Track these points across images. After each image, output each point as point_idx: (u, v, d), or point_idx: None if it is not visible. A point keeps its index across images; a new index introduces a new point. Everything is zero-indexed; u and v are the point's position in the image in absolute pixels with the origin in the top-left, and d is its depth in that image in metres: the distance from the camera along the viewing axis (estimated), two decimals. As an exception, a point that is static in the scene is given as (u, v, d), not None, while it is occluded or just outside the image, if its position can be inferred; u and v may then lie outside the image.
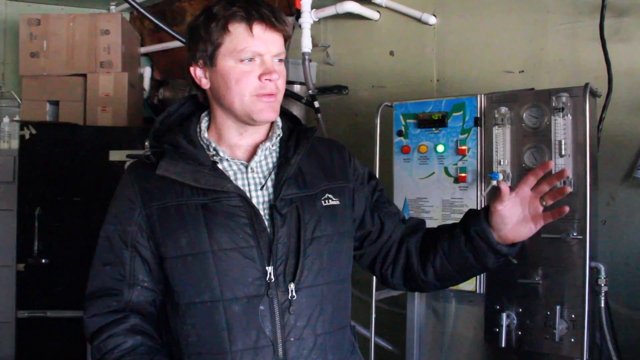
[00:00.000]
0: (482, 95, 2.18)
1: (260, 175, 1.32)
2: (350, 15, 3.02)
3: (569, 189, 1.27)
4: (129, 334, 1.28)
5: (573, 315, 1.94)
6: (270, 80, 1.27)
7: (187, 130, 1.34)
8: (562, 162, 1.97)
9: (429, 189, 2.27)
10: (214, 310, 1.25)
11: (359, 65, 3.18)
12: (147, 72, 4.06)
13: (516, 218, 1.29)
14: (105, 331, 1.29)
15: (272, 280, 1.25)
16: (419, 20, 2.91)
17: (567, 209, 1.25)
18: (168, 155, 1.29)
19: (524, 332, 2.03)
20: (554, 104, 1.99)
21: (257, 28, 1.25)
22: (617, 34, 2.30)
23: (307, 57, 2.79)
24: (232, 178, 1.30)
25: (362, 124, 3.05)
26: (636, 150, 2.26)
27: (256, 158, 1.33)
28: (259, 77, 1.26)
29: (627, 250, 2.28)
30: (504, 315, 2.04)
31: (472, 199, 2.18)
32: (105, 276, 1.33)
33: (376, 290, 2.35)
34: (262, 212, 1.28)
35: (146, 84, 4.06)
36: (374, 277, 2.31)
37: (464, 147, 2.19)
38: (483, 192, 2.15)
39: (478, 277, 2.13)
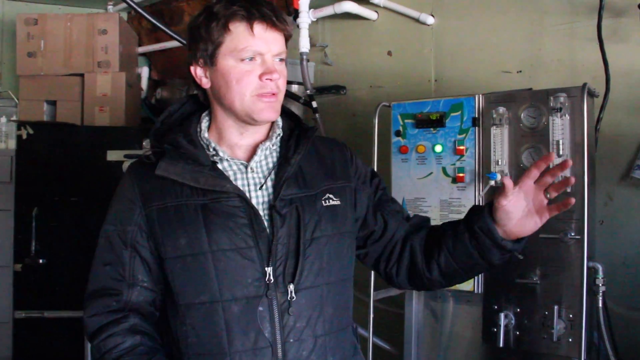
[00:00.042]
0: (480, 95, 2.18)
1: (260, 175, 1.32)
2: (348, 15, 3.02)
3: (573, 180, 1.25)
4: (129, 334, 1.28)
5: (571, 315, 1.94)
6: (271, 79, 1.26)
7: (188, 130, 1.34)
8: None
9: (427, 189, 2.27)
10: (212, 311, 1.24)
11: (357, 65, 3.18)
12: (144, 72, 4.06)
13: (521, 212, 1.27)
14: (105, 331, 1.29)
15: (272, 281, 1.24)
16: (417, 20, 2.91)
17: (572, 200, 1.23)
18: (168, 155, 1.29)
19: (522, 332, 2.03)
20: (551, 104, 1.99)
21: (258, 27, 1.25)
22: (614, 35, 2.30)
23: (305, 57, 2.79)
24: (232, 178, 1.29)
25: (360, 124, 3.05)
26: (634, 150, 2.26)
27: (256, 158, 1.32)
28: (260, 77, 1.25)
29: (625, 250, 2.28)
30: (502, 315, 2.04)
31: (470, 199, 2.18)
32: (104, 276, 1.33)
33: (374, 290, 2.35)
34: (261, 213, 1.27)
35: (144, 83, 4.05)
36: (372, 277, 2.33)
37: (462, 147, 2.19)
38: (481, 192, 2.15)
39: (476, 277, 2.13)
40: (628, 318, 2.22)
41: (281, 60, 1.30)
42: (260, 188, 1.30)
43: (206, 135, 1.34)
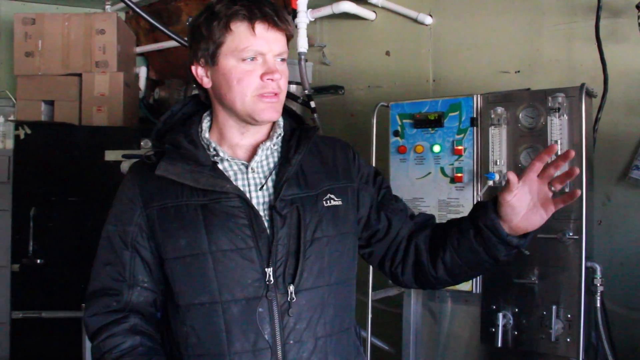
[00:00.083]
0: (479, 95, 2.18)
1: (261, 175, 1.31)
2: (346, 15, 3.02)
3: (577, 170, 1.22)
4: (128, 334, 1.28)
5: (569, 315, 1.95)
6: (272, 80, 1.25)
7: (189, 130, 1.33)
8: (558, 162, 1.97)
9: (425, 189, 2.27)
10: (212, 311, 1.24)
11: (355, 65, 3.18)
12: (142, 71, 4.05)
13: (526, 207, 1.25)
14: (105, 331, 1.29)
15: (272, 282, 1.23)
16: (415, 20, 2.91)
17: (578, 192, 1.22)
18: (168, 155, 1.29)
19: (520, 332, 2.03)
20: (550, 104, 1.99)
21: (260, 27, 1.24)
22: (612, 35, 2.31)
23: (303, 57, 2.79)
24: (232, 178, 1.29)
25: (358, 124, 3.05)
26: (632, 151, 2.26)
27: (256, 158, 1.31)
28: (261, 77, 1.25)
29: (623, 250, 2.28)
30: (500, 315, 2.04)
31: (469, 199, 2.18)
32: (105, 276, 1.33)
33: (372, 290, 2.35)
34: (262, 213, 1.26)
35: (142, 83, 4.05)
36: (370, 277, 2.33)
37: (460, 147, 2.19)
38: (479, 192, 2.15)
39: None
40: (626, 318, 2.23)
41: (283, 60, 1.29)
42: (261, 188, 1.29)
43: (207, 135, 1.33)
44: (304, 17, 2.79)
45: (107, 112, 3.58)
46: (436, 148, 2.24)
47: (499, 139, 2.10)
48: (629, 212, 2.29)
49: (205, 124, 1.35)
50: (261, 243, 1.24)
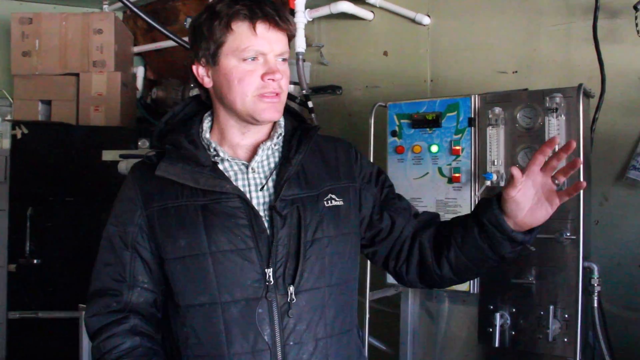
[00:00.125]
0: (476, 95, 2.18)
1: (262, 175, 1.30)
2: (344, 15, 3.02)
3: (580, 161, 1.21)
4: (128, 335, 1.28)
5: (566, 315, 1.95)
6: (273, 80, 1.24)
7: (189, 130, 1.33)
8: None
9: (423, 189, 2.27)
10: (212, 312, 1.24)
11: (353, 65, 3.18)
12: (140, 71, 4.05)
13: (530, 202, 1.23)
14: (105, 331, 1.29)
15: (272, 283, 1.23)
16: (412, 20, 2.91)
17: (584, 183, 1.20)
18: (168, 155, 1.28)
19: (518, 332, 2.03)
20: (547, 105, 1.99)
21: (261, 27, 1.23)
22: (610, 35, 2.31)
23: (300, 56, 2.79)
24: (232, 179, 1.28)
25: (356, 124, 3.05)
26: (629, 151, 2.27)
27: (257, 158, 1.31)
28: (262, 77, 1.24)
29: (620, 250, 2.29)
30: (498, 315, 2.04)
31: (466, 199, 2.18)
32: (105, 276, 1.32)
33: (370, 290, 2.35)
34: (262, 213, 1.26)
35: (139, 83, 4.04)
36: (368, 277, 2.32)
37: (457, 148, 2.19)
38: (477, 193, 2.15)
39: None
40: (623, 318, 2.23)
41: (284, 60, 1.28)
42: (262, 189, 1.29)
43: (207, 135, 1.33)
44: (301, 17, 2.79)
45: (104, 112, 3.57)
46: (434, 148, 2.24)
47: (496, 139, 2.11)
48: (626, 212, 2.29)
49: (206, 124, 1.35)
50: (261, 243, 1.24)
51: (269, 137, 1.34)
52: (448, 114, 2.22)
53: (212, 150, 1.31)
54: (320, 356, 1.25)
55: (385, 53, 3.06)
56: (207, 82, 1.31)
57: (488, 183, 2.10)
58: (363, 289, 2.34)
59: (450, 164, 2.22)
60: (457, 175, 2.19)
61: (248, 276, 1.23)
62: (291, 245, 1.25)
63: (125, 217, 1.32)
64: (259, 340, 1.22)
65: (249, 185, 1.29)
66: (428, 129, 2.26)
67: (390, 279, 2.32)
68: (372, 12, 3.07)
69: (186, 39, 2.59)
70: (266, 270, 1.23)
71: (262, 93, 1.25)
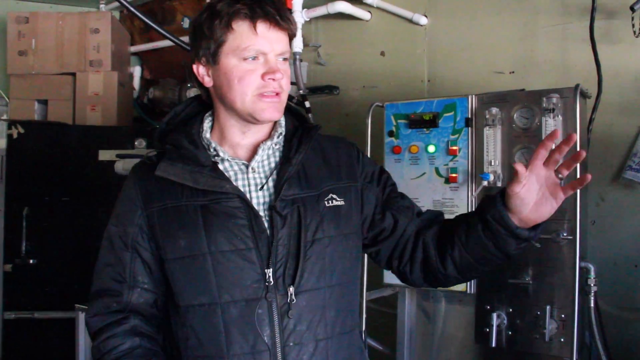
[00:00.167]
0: (473, 95, 2.18)
1: (262, 175, 1.30)
2: (341, 15, 3.01)
3: (584, 153, 1.18)
4: (128, 336, 1.28)
5: (563, 315, 1.95)
6: (274, 79, 1.24)
7: (190, 130, 1.32)
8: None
9: (420, 189, 2.27)
10: (211, 313, 1.23)
11: (350, 66, 3.18)
12: (137, 71, 4.04)
13: (535, 197, 1.21)
14: (105, 331, 1.29)
15: (271, 283, 1.22)
16: (410, 20, 2.91)
17: (589, 176, 1.18)
18: (168, 155, 1.28)
19: (514, 332, 2.04)
20: (544, 105, 2.00)
21: (261, 26, 1.23)
22: (607, 36, 2.31)
23: (298, 57, 2.79)
24: (232, 179, 1.28)
25: (353, 124, 3.05)
26: (625, 151, 2.27)
27: (257, 158, 1.30)
28: (262, 76, 1.23)
29: (616, 250, 2.29)
30: (494, 315, 2.05)
31: (463, 199, 2.18)
32: (106, 277, 1.32)
33: (367, 290, 2.35)
34: (262, 213, 1.25)
35: (136, 83, 4.04)
36: (365, 277, 2.32)
37: (454, 148, 2.19)
38: (474, 193, 2.16)
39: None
40: (619, 318, 2.23)
41: (285, 59, 1.27)
42: (261, 188, 1.28)
43: (207, 135, 1.32)
44: (299, 17, 2.79)
45: (101, 112, 3.57)
46: (431, 148, 2.24)
47: (493, 140, 2.11)
48: (622, 213, 2.29)
49: (207, 124, 1.34)
50: (261, 244, 1.23)
51: (270, 136, 1.33)
52: (445, 114, 2.22)
53: (212, 150, 1.30)
54: (320, 357, 1.24)
55: (382, 53, 3.06)
56: (208, 82, 1.30)
57: (485, 183, 2.10)
58: (360, 289, 2.34)
59: (447, 164, 2.22)
60: (454, 175, 2.19)
61: (248, 276, 1.22)
62: (291, 245, 1.24)
63: (125, 217, 1.32)
64: (259, 341, 1.21)
65: (249, 185, 1.29)
66: (425, 129, 2.26)
67: (387, 279, 2.32)
68: (369, 12, 3.07)
69: (183, 38, 2.59)
70: (266, 270, 1.22)
71: (262, 92, 1.24)
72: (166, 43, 3.67)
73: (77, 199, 3.23)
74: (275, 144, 1.33)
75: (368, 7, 3.03)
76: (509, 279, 2.04)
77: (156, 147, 1.34)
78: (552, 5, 2.49)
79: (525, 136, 2.04)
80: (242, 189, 1.27)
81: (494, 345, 2.04)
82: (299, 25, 2.79)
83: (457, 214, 1.39)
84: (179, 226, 1.25)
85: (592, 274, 2.02)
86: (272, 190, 1.28)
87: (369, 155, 2.37)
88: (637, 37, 2.21)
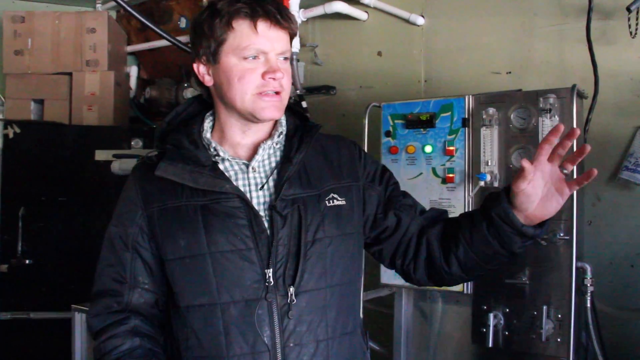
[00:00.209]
0: (470, 96, 2.18)
1: (262, 174, 1.29)
2: (338, 16, 3.02)
3: (589, 147, 1.15)
4: (128, 336, 1.28)
5: (559, 315, 1.95)
6: (274, 78, 1.23)
7: (191, 130, 1.32)
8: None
9: (417, 189, 2.27)
10: (211, 313, 1.23)
11: (347, 66, 3.18)
12: (133, 71, 4.03)
13: (541, 193, 1.19)
14: (106, 332, 1.29)
15: (271, 284, 1.21)
16: (407, 20, 2.91)
17: (595, 171, 1.15)
18: (168, 155, 1.27)
19: (511, 332, 2.04)
20: (541, 105, 2.00)
21: (262, 25, 1.22)
22: (603, 36, 2.32)
23: (294, 57, 2.78)
24: (232, 178, 1.27)
25: (350, 125, 3.05)
26: (621, 152, 2.28)
27: (257, 157, 1.29)
28: (263, 75, 1.23)
29: (612, 250, 2.30)
30: (491, 315, 2.05)
31: (460, 199, 2.18)
32: (106, 277, 1.32)
33: (364, 290, 2.35)
34: (262, 213, 1.25)
35: (132, 83, 4.02)
36: (362, 277, 2.32)
37: (451, 148, 2.19)
38: (470, 193, 2.16)
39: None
40: (616, 317, 2.24)
41: (285, 58, 1.27)
42: (262, 188, 1.27)
43: (208, 135, 1.32)
44: (296, 17, 2.78)
45: (97, 112, 3.56)
46: (428, 148, 2.24)
47: (490, 140, 2.11)
48: (618, 213, 2.30)
49: (207, 123, 1.34)
50: (261, 244, 1.22)
51: (270, 136, 1.32)
52: (442, 115, 2.22)
53: (212, 149, 1.30)
54: (321, 358, 1.24)
55: (379, 53, 3.06)
56: (208, 81, 1.30)
57: (482, 183, 2.10)
58: (357, 289, 2.33)
59: (444, 165, 2.22)
60: (450, 175, 2.19)
61: (247, 277, 1.22)
62: (291, 245, 1.24)
63: (125, 217, 1.31)
64: (259, 342, 1.21)
65: (249, 185, 1.28)
66: (422, 130, 2.26)
67: (384, 280, 2.32)
68: (366, 12, 3.07)
69: (180, 38, 2.58)
70: (266, 270, 1.22)
71: (262, 91, 1.23)
72: (163, 43, 3.65)
73: (74, 199, 3.22)
74: (276, 144, 1.32)
75: (365, 7, 3.03)
76: (505, 279, 2.04)
77: (157, 147, 1.34)
78: (548, 6, 2.50)
79: (522, 136, 2.05)
80: (242, 189, 1.26)
81: (490, 345, 2.04)
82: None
83: (461, 212, 1.38)
84: (179, 226, 1.25)
85: (589, 274, 2.02)
86: (272, 190, 1.27)
87: (366, 155, 2.37)
88: (633, 37, 2.21)
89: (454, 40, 2.78)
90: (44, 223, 3.21)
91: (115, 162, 2.95)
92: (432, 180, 2.24)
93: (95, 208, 3.18)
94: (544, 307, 1.96)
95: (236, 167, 1.29)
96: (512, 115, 2.07)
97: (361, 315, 2.30)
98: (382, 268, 2.30)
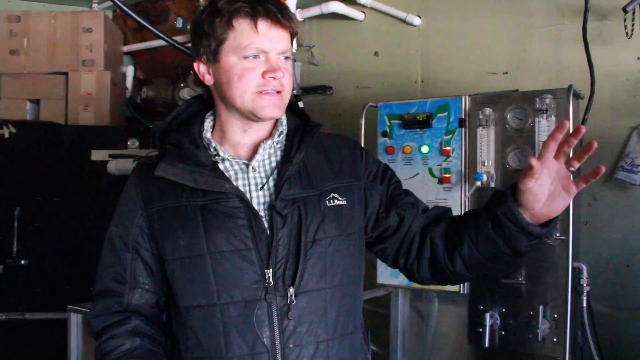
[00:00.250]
0: (467, 96, 2.18)
1: (263, 174, 1.29)
2: (335, 16, 3.01)
3: (596, 144, 1.14)
4: (129, 336, 1.27)
5: (555, 315, 1.96)
6: (274, 78, 1.23)
7: (191, 130, 1.31)
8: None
9: (413, 189, 2.19)
10: (211, 314, 1.22)
11: (344, 66, 3.18)
12: (129, 71, 4.02)
13: (547, 191, 1.18)
14: (107, 332, 1.29)
15: (271, 284, 1.21)
16: (403, 21, 2.91)
17: (602, 168, 1.15)
18: (168, 155, 1.27)
19: (507, 332, 2.04)
20: (537, 106, 2.00)
21: (262, 24, 1.22)
22: (599, 37, 2.32)
23: (291, 56, 2.78)
24: (232, 178, 1.27)
25: (347, 125, 3.04)
26: (618, 152, 2.28)
27: (258, 157, 1.29)
28: (263, 75, 1.23)
29: (608, 251, 2.30)
30: (488, 315, 2.05)
31: (457, 199, 2.18)
32: (107, 278, 1.32)
33: (360, 290, 2.35)
34: (262, 213, 1.24)
35: (129, 83, 4.02)
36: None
37: (448, 148, 2.19)
38: (467, 193, 2.16)
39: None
40: (612, 317, 2.24)
41: (286, 58, 1.26)
42: (261, 188, 1.27)
43: (208, 135, 1.31)
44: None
45: (93, 112, 3.55)
46: (424, 149, 2.24)
47: (487, 140, 2.11)
48: (614, 213, 2.30)
49: (208, 123, 1.34)
50: (260, 244, 1.22)
51: (271, 135, 1.32)
52: (438, 115, 2.22)
53: (212, 149, 1.29)
54: (321, 359, 1.23)
55: (376, 53, 3.06)
56: (208, 80, 1.29)
57: (478, 184, 2.10)
58: (353, 289, 2.33)
59: (440, 165, 2.22)
60: (447, 175, 2.19)
61: (247, 277, 1.21)
62: (291, 245, 1.23)
63: (126, 217, 1.31)
64: (258, 343, 1.20)
65: (249, 184, 1.27)
66: (418, 130, 2.26)
67: (380, 280, 2.32)
68: (363, 12, 3.07)
69: (177, 38, 2.58)
70: (265, 271, 1.21)
71: (262, 90, 1.23)
72: (159, 43, 3.65)
73: (70, 199, 3.21)
74: (277, 143, 1.32)
75: (362, 7, 3.03)
76: (502, 279, 2.04)
77: (157, 146, 1.34)
78: (545, 7, 2.50)
79: (519, 137, 2.05)
80: (242, 189, 1.26)
81: (487, 345, 2.04)
82: (293, 25, 2.79)
83: (466, 211, 1.38)
84: (179, 226, 1.25)
85: (585, 274, 2.02)
86: (272, 189, 1.27)
87: (362, 155, 2.37)
88: (629, 38, 2.22)
89: (450, 41, 2.78)
90: (40, 223, 3.19)
91: (111, 162, 2.94)
92: (429, 180, 2.24)
93: (92, 208, 3.17)
94: (540, 307, 1.96)
95: (236, 167, 1.29)
96: (508, 116, 2.07)
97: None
98: (379, 268, 2.30)
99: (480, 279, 2.08)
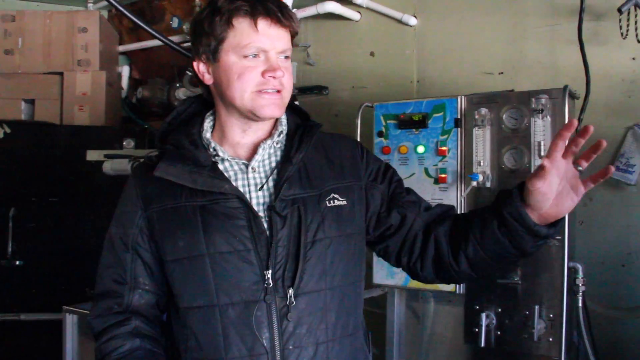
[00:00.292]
0: (463, 96, 2.18)
1: (262, 174, 1.28)
2: (330, 16, 3.01)
3: (605, 143, 1.13)
4: (129, 337, 1.27)
5: (551, 315, 1.96)
6: (274, 77, 1.22)
7: (191, 130, 1.31)
8: (541, 163, 1.98)
9: (410, 189, 2.27)
10: (210, 315, 1.22)
11: (340, 66, 3.17)
12: (125, 70, 4.02)
13: (555, 191, 1.16)
14: (107, 333, 1.28)
15: (270, 285, 1.20)
16: (399, 21, 2.91)
17: (612, 169, 1.14)
18: (167, 156, 1.26)
19: (503, 332, 2.04)
20: (533, 106, 2.00)
21: (262, 23, 1.21)
22: (595, 37, 2.33)
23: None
24: (232, 179, 1.26)
25: (342, 125, 3.04)
26: (613, 152, 2.29)
27: (257, 157, 1.28)
28: (263, 74, 1.22)
29: (604, 250, 2.30)
30: (483, 315, 2.05)
31: (452, 199, 2.18)
32: (107, 278, 1.32)
33: (356, 291, 2.35)
34: (261, 214, 1.23)
35: (124, 83, 4.01)
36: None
37: (444, 148, 2.19)
38: (463, 193, 2.16)
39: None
40: (607, 317, 2.25)
41: (286, 57, 1.26)
42: (261, 188, 1.26)
43: (208, 135, 1.31)
44: (290, 16, 2.78)
45: (88, 112, 3.54)
46: (420, 149, 2.24)
47: (482, 140, 2.11)
48: (610, 212, 2.31)
49: (207, 123, 1.33)
50: (260, 245, 1.21)
51: (270, 135, 1.31)
52: (434, 115, 2.22)
53: (211, 150, 1.29)
54: None
55: (371, 54, 3.06)
56: (208, 79, 1.29)
57: (474, 184, 2.10)
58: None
59: (436, 165, 2.22)
60: (443, 175, 2.20)
61: (246, 278, 1.21)
62: (291, 246, 1.22)
63: (125, 218, 1.31)
64: (257, 344, 1.20)
65: (248, 185, 1.27)
66: (414, 130, 2.26)
67: (376, 280, 2.32)
68: (358, 12, 3.07)
69: (172, 38, 2.58)
70: (265, 272, 1.21)
71: (262, 89, 1.22)
72: (155, 43, 3.64)
73: (65, 199, 3.20)
74: (277, 143, 1.31)
75: (357, 7, 3.03)
76: (497, 279, 2.04)
77: (157, 147, 1.33)
78: (541, 7, 2.50)
79: (515, 137, 2.05)
80: (241, 189, 1.25)
81: (483, 345, 2.04)
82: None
83: (471, 209, 1.36)
84: (178, 227, 1.24)
85: (580, 273, 2.02)
86: (272, 190, 1.26)
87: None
88: (624, 38, 2.22)
89: (446, 41, 2.78)
90: (35, 224, 3.19)
91: (106, 162, 2.93)
92: (425, 180, 2.24)
93: (87, 209, 3.16)
94: (536, 307, 1.96)
95: (236, 167, 1.28)
96: (504, 116, 2.07)
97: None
98: (375, 268, 2.30)
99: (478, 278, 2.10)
